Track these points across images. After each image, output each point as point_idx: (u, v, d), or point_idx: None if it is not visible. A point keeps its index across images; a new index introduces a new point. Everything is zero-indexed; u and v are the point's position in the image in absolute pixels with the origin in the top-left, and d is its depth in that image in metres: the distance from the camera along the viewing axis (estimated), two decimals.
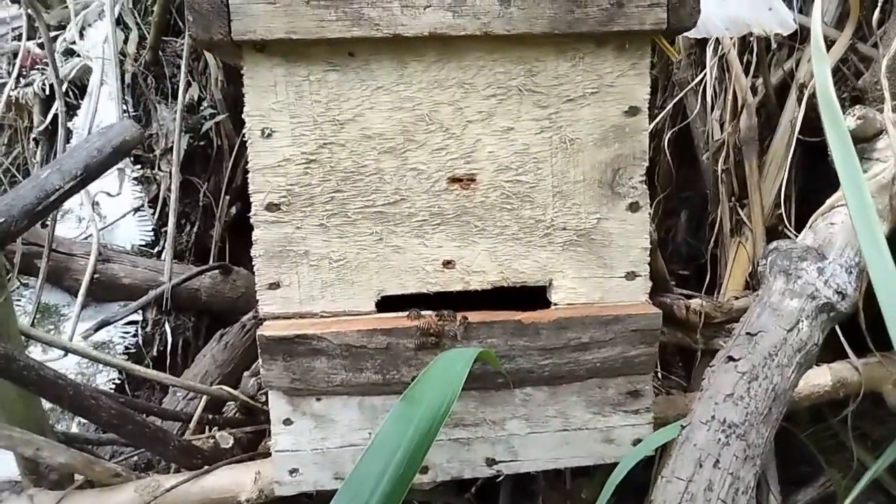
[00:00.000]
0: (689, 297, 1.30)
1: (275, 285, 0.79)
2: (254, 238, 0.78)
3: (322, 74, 0.75)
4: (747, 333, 0.72)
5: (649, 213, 0.83)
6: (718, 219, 1.46)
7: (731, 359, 0.70)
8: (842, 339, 1.16)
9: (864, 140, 0.91)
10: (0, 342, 0.74)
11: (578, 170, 0.80)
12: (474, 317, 0.79)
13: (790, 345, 0.71)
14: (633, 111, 0.80)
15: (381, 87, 0.76)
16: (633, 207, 0.82)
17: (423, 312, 0.81)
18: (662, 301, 1.25)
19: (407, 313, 0.80)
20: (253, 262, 0.79)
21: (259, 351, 0.77)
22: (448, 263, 0.81)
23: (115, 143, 0.80)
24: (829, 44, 1.35)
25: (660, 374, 1.49)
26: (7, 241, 0.76)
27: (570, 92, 0.79)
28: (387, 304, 0.82)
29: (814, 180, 1.36)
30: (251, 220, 0.78)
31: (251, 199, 0.77)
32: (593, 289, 0.83)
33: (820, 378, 1.15)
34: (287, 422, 0.80)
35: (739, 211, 1.42)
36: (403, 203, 0.79)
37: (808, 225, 0.88)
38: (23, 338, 0.87)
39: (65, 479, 0.88)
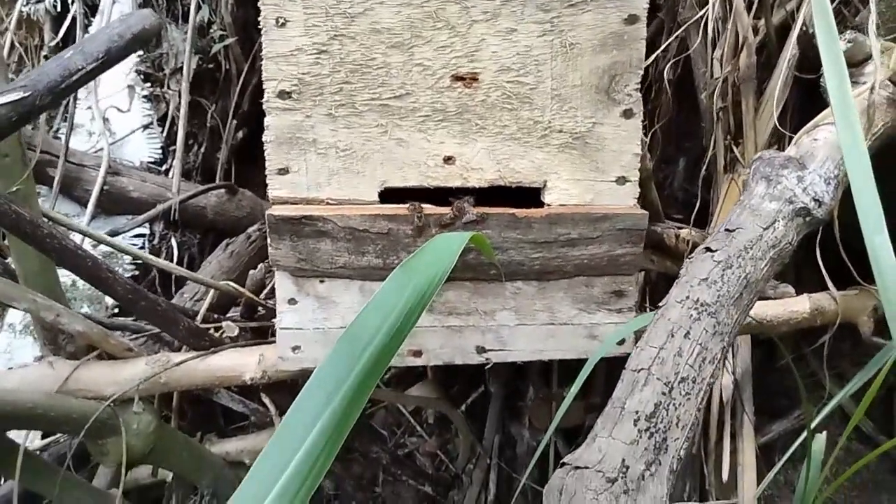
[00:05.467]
0: (679, 227, 1.35)
1: (284, 171, 0.83)
2: (265, 124, 0.82)
3: None
4: (726, 229, 0.77)
5: (642, 121, 0.87)
6: (713, 155, 1.50)
7: (708, 249, 0.75)
8: (823, 271, 1.21)
9: (852, 65, 0.95)
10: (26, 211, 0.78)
11: (577, 74, 0.84)
12: (472, 209, 0.84)
13: (765, 241, 0.76)
14: (632, 19, 0.84)
15: None
16: (627, 114, 0.86)
17: (423, 205, 0.85)
18: (653, 230, 1.30)
19: (408, 205, 0.85)
20: (264, 149, 0.83)
21: (267, 231, 0.82)
22: (449, 159, 0.85)
23: (136, 29, 0.84)
24: None
25: (648, 308, 1.54)
26: (32, 115, 0.80)
27: None
28: (388, 197, 0.86)
29: (809, 119, 1.39)
30: (263, 107, 0.82)
31: (264, 87, 0.81)
32: (585, 191, 0.88)
33: (799, 305, 1.20)
34: (292, 301, 0.86)
35: (734, 148, 1.46)
36: (408, 97, 0.83)
37: (793, 141, 0.92)
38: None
39: (80, 351, 0.94)
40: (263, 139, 0.83)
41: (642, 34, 0.84)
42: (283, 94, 0.81)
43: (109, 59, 0.82)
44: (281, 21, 0.79)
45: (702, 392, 0.65)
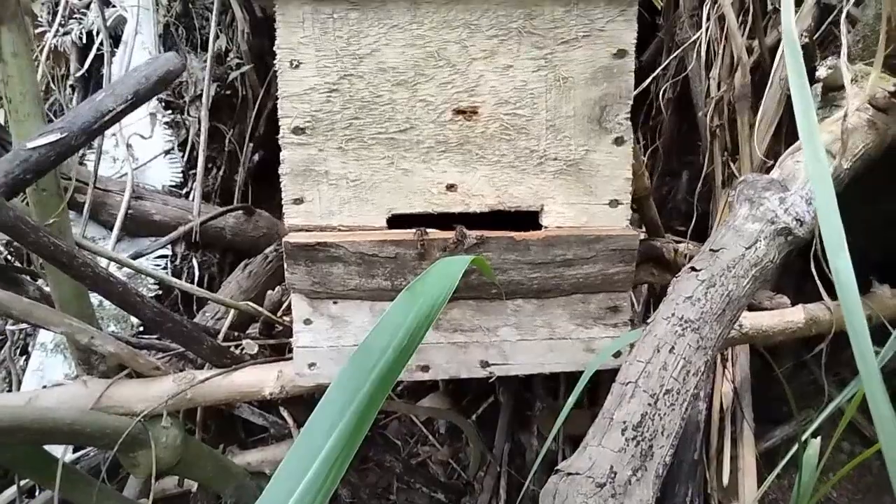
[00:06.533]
0: (678, 241, 1.40)
1: (299, 201, 0.90)
2: (281, 158, 0.89)
3: (344, 13, 0.85)
4: (711, 250, 0.82)
5: (633, 148, 0.93)
6: (711, 171, 1.55)
7: (693, 269, 0.80)
8: (818, 283, 1.26)
9: (834, 89, 1.00)
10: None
11: (570, 106, 0.90)
12: (471, 233, 0.90)
13: (747, 260, 0.81)
14: (620, 53, 0.90)
15: (396, 25, 0.86)
16: (619, 141, 0.92)
17: (427, 230, 0.91)
18: (653, 244, 1.35)
19: (414, 231, 0.91)
20: (280, 181, 0.90)
21: (284, 256, 0.88)
22: (451, 187, 0.91)
23: (161, 72, 0.91)
24: (823, 7, 1.43)
25: None
26: (68, 154, 0.87)
27: (564, 35, 0.88)
28: (395, 223, 0.93)
29: None
30: (279, 142, 0.88)
31: (280, 124, 0.88)
32: (580, 214, 0.93)
33: (794, 316, 1.25)
34: (307, 321, 0.92)
35: (731, 165, 1.51)
36: (413, 131, 0.89)
37: (777, 163, 0.97)
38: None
39: (111, 370, 1.00)
40: (279, 171, 0.89)
41: (631, 67, 0.90)
42: (298, 130, 0.88)
43: (138, 100, 0.90)
44: (295, 63, 0.86)
45: (686, 402, 0.70)
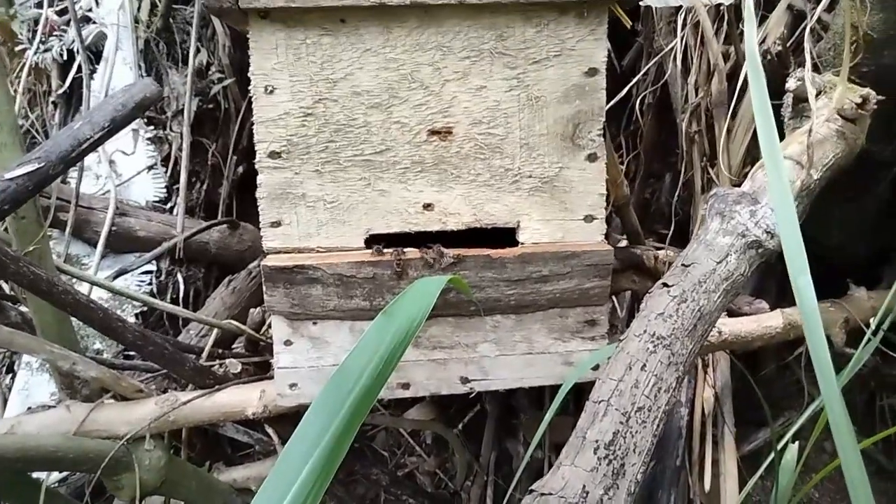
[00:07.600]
0: (658, 248, 1.42)
1: (276, 224, 0.91)
2: (258, 182, 0.90)
3: (317, 38, 0.86)
4: (682, 265, 0.83)
5: (612, 156, 0.94)
6: (690, 177, 1.57)
7: (665, 285, 0.81)
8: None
9: (804, 100, 1.01)
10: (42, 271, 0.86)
11: (543, 124, 0.91)
12: (448, 252, 0.91)
13: (718, 274, 0.82)
14: (591, 72, 0.91)
15: (369, 49, 0.87)
16: (592, 158, 0.93)
17: (405, 250, 0.92)
18: (633, 252, 1.36)
19: (391, 251, 0.92)
20: (258, 204, 0.91)
21: (263, 279, 0.89)
22: (428, 206, 0.92)
23: (137, 98, 0.92)
24: (797, 14, 1.45)
25: None
26: (46, 183, 0.87)
27: (535, 55, 0.89)
28: (374, 242, 0.93)
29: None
30: (256, 167, 0.89)
31: (256, 148, 0.89)
32: (555, 230, 0.94)
33: (773, 321, 1.26)
34: (287, 342, 0.93)
35: (710, 170, 1.52)
36: (388, 152, 0.90)
37: (749, 175, 0.99)
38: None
39: (94, 394, 1.01)
40: (257, 195, 0.90)
41: (602, 84, 0.91)
42: (274, 154, 0.89)
43: (115, 127, 0.90)
44: (269, 89, 0.87)
45: (657, 419, 0.72)
